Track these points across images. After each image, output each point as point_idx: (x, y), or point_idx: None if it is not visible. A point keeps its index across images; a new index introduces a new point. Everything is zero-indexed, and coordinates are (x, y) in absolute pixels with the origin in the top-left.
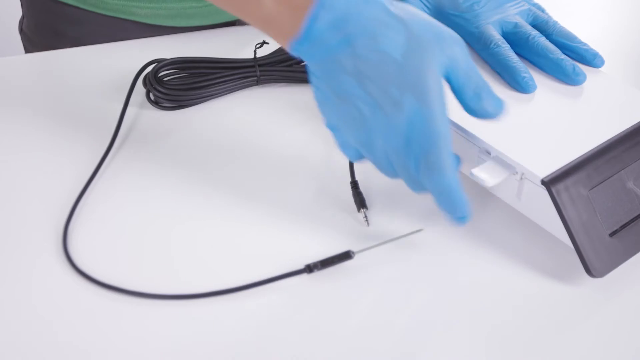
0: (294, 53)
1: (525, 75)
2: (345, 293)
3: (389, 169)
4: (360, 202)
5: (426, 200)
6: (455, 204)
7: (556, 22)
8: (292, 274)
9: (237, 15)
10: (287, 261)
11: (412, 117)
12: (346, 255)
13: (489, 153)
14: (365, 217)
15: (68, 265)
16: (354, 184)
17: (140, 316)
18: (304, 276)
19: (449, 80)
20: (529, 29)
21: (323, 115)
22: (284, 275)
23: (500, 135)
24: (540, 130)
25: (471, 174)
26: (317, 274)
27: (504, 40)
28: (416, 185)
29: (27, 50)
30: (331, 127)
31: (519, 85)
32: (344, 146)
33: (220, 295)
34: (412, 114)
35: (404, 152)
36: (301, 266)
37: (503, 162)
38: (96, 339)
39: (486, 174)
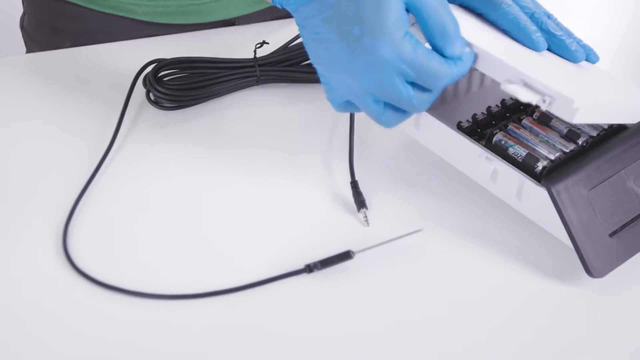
0: (275, 2)
1: (537, 33)
2: (345, 293)
3: (376, 108)
4: (360, 202)
5: (426, 200)
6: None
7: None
8: (292, 274)
9: None
10: (287, 261)
11: (379, 52)
12: (346, 255)
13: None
14: (365, 217)
15: (68, 265)
16: (354, 184)
17: (140, 316)
18: (304, 276)
19: (413, 12)
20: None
21: (312, 64)
22: (284, 275)
23: (529, 65)
24: (562, 77)
25: (503, 86)
26: (317, 274)
27: (514, 2)
28: (420, 104)
29: (28, 46)
30: (319, 74)
31: (531, 42)
32: (329, 93)
33: (220, 295)
34: (377, 48)
35: (395, 82)
36: (301, 266)
37: (533, 87)
38: (96, 339)
39: (519, 88)
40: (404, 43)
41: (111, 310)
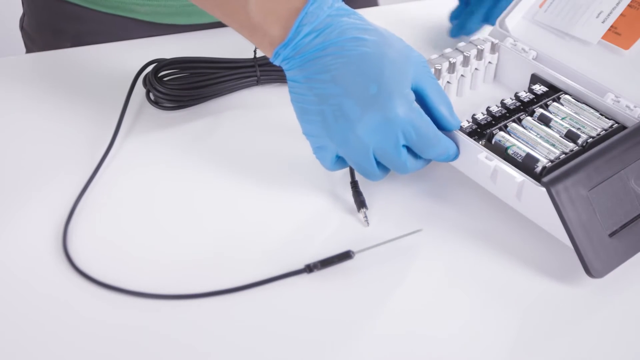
0: (277, 59)
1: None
2: (345, 293)
3: (369, 165)
4: (360, 202)
5: (426, 200)
6: (452, 154)
7: None
8: (292, 274)
9: (223, 20)
10: (287, 261)
11: (395, 111)
12: (346, 255)
13: None
14: (365, 217)
15: (67, 265)
16: (354, 184)
17: (140, 316)
18: (304, 276)
19: (419, 91)
20: None
21: (302, 123)
22: (284, 275)
23: None
24: None
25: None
26: (317, 274)
27: None
28: (411, 166)
29: (28, 47)
30: (308, 134)
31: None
32: (319, 152)
33: (220, 295)
34: (392, 107)
35: (394, 143)
36: (301, 266)
37: None
38: (95, 338)
39: None
40: (415, 107)
41: (111, 310)
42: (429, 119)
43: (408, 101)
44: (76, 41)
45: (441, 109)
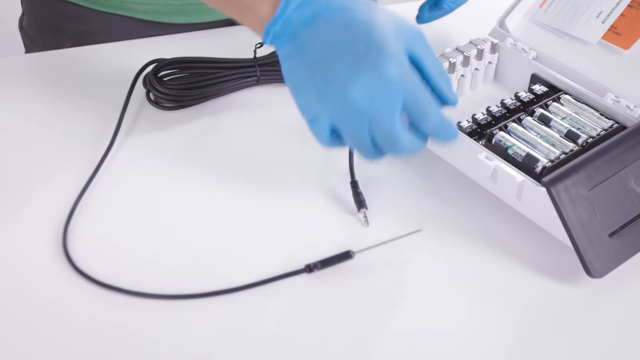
0: (268, 38)
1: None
2: (345, 293)
3: (362, 136)
4: (360, 202)
5: (425, 200)
6: (451, 130)
7: None
8: (292, 274)
9: (214, 6)
10: (287, 261)
11: (385, 68)
12: (346, 255)
13: None
14: (365, 217)
15: (67, 265)
16: (354, 184)
17: (139, 316)
18: (304, 276)
19: (417, 63)
20: None
21: (296, 98)
22: (284, 275)
23: None
24: None
25: None
26: (317, 274)
27: None
28: (410, 143)
29: (27, 47)
30: (303, 108)
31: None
32: (314, 125)
33: (221, 295)
34: (383, 64)
35: (394, 104)
36: (301, 266)
37: None
38: (95, 338)
39: None
40: (408, 70)
41: (111, 310)
42: (423, 86)
43: (400, 62)
44: (75, 40)
45: (438, 80)
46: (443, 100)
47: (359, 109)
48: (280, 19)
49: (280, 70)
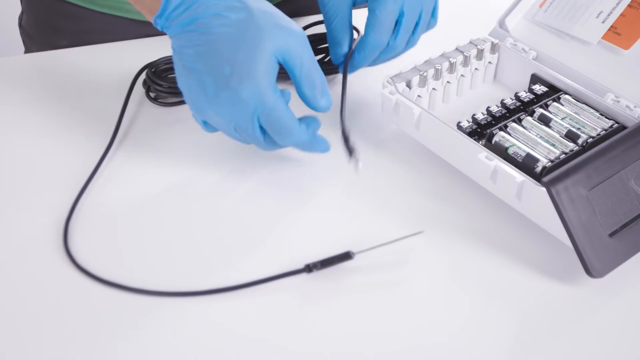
0: (157, 26)
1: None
2: (345, 293)
3: (238, 138)
4: (350, 149)
5: (425, 201)
6: (316, 148)
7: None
8: (292, 274)
9: None
10: (287, 261)
11: (243, 93)
12: (346, 256)
13: None
14: (357, 162)
15: (69, 262)
16: (345, 135)
17: (140, 313)
18: (304, 276)
19: (286, 66)
20: None
21: (180, 88)
22: (284, 274)
23: None
24: None
25: None
26: (317, 274)
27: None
28: (269, 147)
29: (26, 45)
30: (185, 97)
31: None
32: (194, 115)
33: (221, 294)
34: (242, 90)
35: (249, 123)
36: (301, 266)
37: None
38: (97, 336)
39: None
40: (268, 91)
41: (112, 307)
42: (285, 105)
43: (259, 84)
44: (74, 39)
45: (304, 87)
46: (309, 105)
47: (224, 121)
48: (163, 15)
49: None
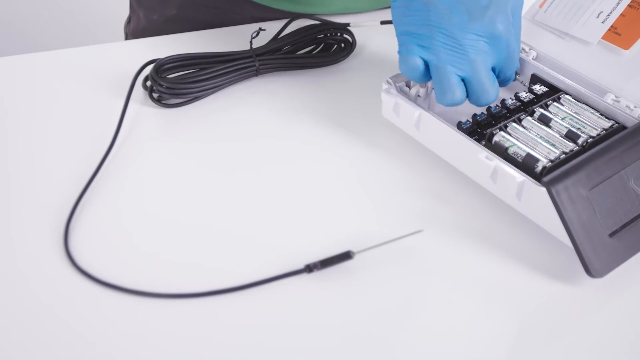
0: None
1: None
2: (345, 293)
3: (454, 79)
4: None
5: (425, 200)
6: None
7: None
8: (292, 274)
9: None
10: (287, 261)
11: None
12: (346, 256)
13: None
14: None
15: (69, 264)
16: None
17: (140, 314)
18: (304, 276)
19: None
20: None
21: (397, 24)
22: (284, 275)
23: None
24: None
25: None
26: (317, 274)
27: None
28: (485, 88)
29: (133, 9)
30: (404, 32)
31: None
32: (411, 56)
33: (220, 295)
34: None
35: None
36: (301, 266)
37: None
38: (97, 337)
39: None
40: (513, 29)
41: (112, 309)
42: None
43: (508, 21)
44: (183, 11)
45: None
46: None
47: (461, 52)
48: None
49: (279, 59)
